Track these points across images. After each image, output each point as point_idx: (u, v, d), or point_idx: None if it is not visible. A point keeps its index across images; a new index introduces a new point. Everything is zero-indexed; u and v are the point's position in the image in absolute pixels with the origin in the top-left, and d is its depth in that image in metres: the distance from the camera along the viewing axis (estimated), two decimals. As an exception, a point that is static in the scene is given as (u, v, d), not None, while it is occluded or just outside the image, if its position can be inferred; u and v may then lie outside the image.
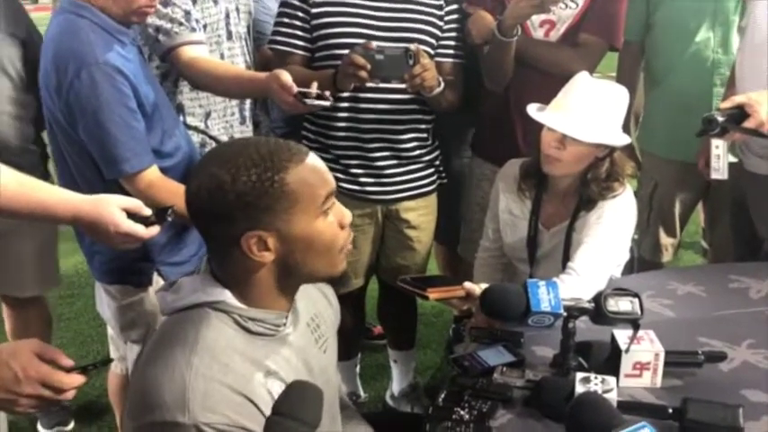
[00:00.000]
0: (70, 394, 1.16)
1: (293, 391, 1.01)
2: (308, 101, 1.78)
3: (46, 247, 2.53)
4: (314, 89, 1.79)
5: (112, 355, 2.17)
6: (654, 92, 2.72)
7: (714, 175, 2.05)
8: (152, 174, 1.77)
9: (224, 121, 2.22)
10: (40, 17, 3.71)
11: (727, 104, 1.81)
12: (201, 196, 1.14)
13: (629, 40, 2.58)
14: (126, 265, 1.87)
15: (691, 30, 2.53)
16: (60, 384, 1.14)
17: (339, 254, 1.23)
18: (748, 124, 1.77)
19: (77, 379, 1.16)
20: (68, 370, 1.16)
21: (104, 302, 1.98)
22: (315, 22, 2.16)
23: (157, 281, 1.89)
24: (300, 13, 2.17)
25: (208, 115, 2.18)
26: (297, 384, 1.02)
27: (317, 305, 1.39)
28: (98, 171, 1.77)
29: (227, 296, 1.18)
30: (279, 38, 2.21)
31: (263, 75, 1.90)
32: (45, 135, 2.42)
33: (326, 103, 1.80)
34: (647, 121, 2.81)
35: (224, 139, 2.21)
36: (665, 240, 2.77)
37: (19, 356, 1.12)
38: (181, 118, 2.13)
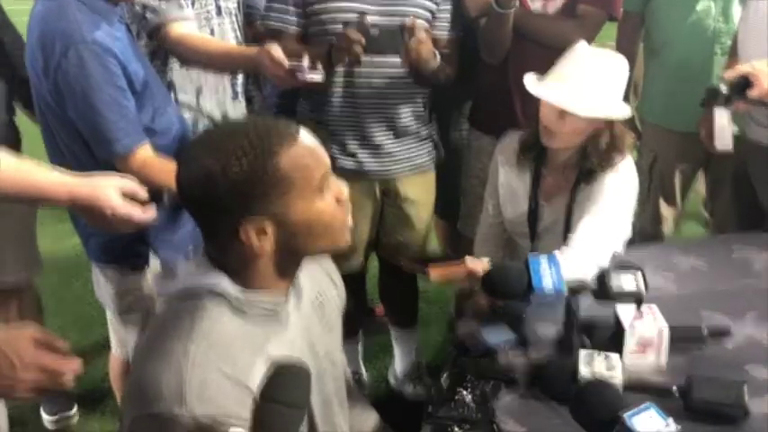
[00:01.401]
0: (69, 379, 1.13)
1: (278, 374, 0.98)
2: (300, 74, 1.76)
3: (24, 231, 2.48)
4: (305, 62, 1.76)
5: (112, 339, 2.16)
6: (653, 62, 2.68)
7: (719, 146, 2.02)
8: (145, 152, 1.74)
9: (216, 97, 2.19)
10: None
11: (731, 74, 1.79)
12: (193, 187, 1.10)
13: (628, 10, 2.54)
14: (122, 246, 1.85)
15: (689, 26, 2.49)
16: (59, 369, 1.12)
17: (341, 229, 1.19)
18: (752, 93, 1.75)
19: (75, 364, 1.14)
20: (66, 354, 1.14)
21: (102, 286, 1.96)
22: None
23: (154, 262, 1.87)
24: None
25: (199, 91, 2.15)
26: (281, 367, 1.00)
27: (321, 285, 1.36)
28: (89, 151, 1.74)
29: (224, 281, 1.15)
30: (272, 14, 2.17)
31: (253, 49, 1.88)
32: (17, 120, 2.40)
33: (318, 77, 1.78)
34: (647, 91, 2.78)
35: (216, 114, 2.19)
36: (666, 211, 2.75)
37: (14, 342, 1.10)
38: (172, 95, 2.11)
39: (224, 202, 1.09)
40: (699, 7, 2.47)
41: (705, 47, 2.49)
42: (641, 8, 2.62)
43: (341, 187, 1.18)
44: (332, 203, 1.16)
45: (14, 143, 2.38)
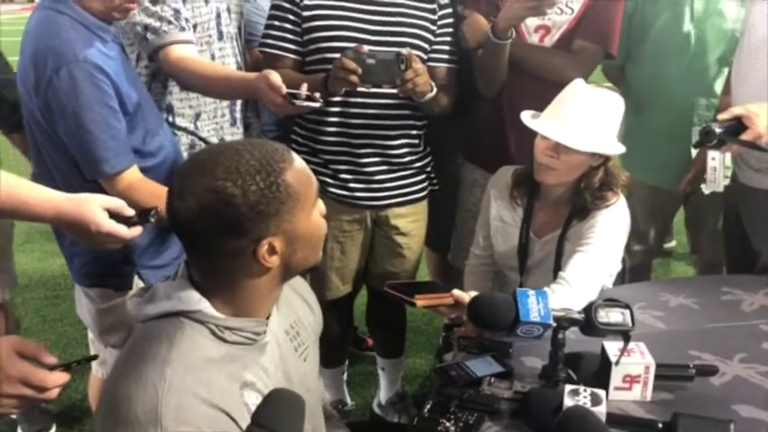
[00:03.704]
0: (54, 393, 1.11)
1: (272, 400, 0.98)
2: (298, 102, 1.75)
3: (1, 250, 2.47)
4: (303, 90, 1.77)
5: (93, 359, 2.13)
6: (632, 117, 2.72)
7: (710, 187, 2.03)
8: (132, 175, 1.74)
9: (214, 122, 2.19)
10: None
11: (724, 116, 1.79)
12: (207, 215, 1.10)
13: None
14: (106, 267, 1.84)
15: (670, 74, 2.53)
16: (42, 383, 1.09)
17: (321, 242, 1.25)
18: (746, 136, 1.75)
19: (61, 377, 1.11)
20: (51, 368, 1.12)
21: (84, 306, 1.94)
22: (306, 25, 2.13)
23: (138, 284, 1.86)
24: (291, 16, 2.14)
25: (197, 116, 2.15)
26: (276, 393, 0.99)
27: (297, 312, 1.37)
28: (78, 170, 1.73)
29: (205, 305, 1.15)
30: (269, 41, 2.18)
31: (252, 75, 1.88)
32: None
33: (316, 105, 1.78)
34: (626, 142, 2.82)
35: (214, 140, 2.18)
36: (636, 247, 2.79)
37: None
38: (170, 119, 2.11)
39: (240, 224, 1.10)
40: (677, 82, 2.51)
41: (683, 115, 2.51)
42: (623, 61, 2.66)
43: (321, 203, 1.24)
44: (321, 218, 1.23)
45: None
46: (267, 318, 1.23)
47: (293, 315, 1.35)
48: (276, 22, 2.17)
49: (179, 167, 1.21)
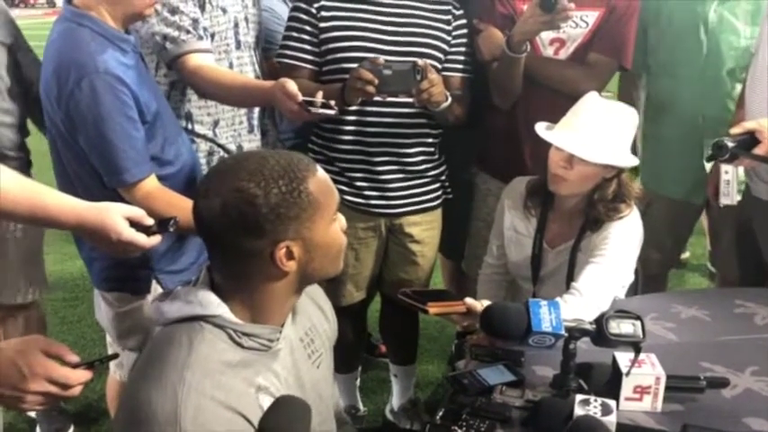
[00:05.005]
0: (77, 390, 1.15)
1: (280, 406, 1.00)
2: (313, 109, 1.78)
3: (32, 253, 2.52)
4: (319, 98, 1.79)
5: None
6: (650, 127, 2.74)
7: (723, 201, 2.04)
8: (149, 184, 1.77)
9: (232, 129, 2.22)
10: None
11: (737, 130, 1.79)
12: (229, 213, 1.14)
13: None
14: (124, 272, 1.87)
15: (683, 85, 2.53)
16: (66, 380, 1.13)
17: (341, 256, 1.29)
18: (758, 151, 1.75)
19: (84, 374, 1.16)
20: (74, 366, 1.16)
21: (102, 309, 1.98)
22: (323, 36, 2.17)
23: (156, 289, 1.89)
24: (308, 27, 2.17)
25: (216, 124, 2.18)
26: (283, 400, 1.01)
27: (312, 319, 1.39)
28: (98, 179, 1.76)
29: (224, 310, 1.18)
30: (287, 51, 2.21)
31: (268, 83, 1.90)
32: (28, 141, 2.44)
33: (332, 113, 1.80)
34: (644, 153, 2.83)
35: (232, 147, 2.21)
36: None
37: (25, 353, 1.11)
38: (189, 126, 2.14)
39: (260, 225, 1.13)
40: (689, 96, 2.51)
41: (695, 130, 2.50)
42: (639, 72, 2.68)
43: (342, 217, 1.27)
44: (341, 230, 1.26)
45: (25, 165, 2.42)
46: (282, 325, 1.26)
47: (308, 322, 1.37)
48: (294, 33, 2.20)
49: (208, 170, 1.24)
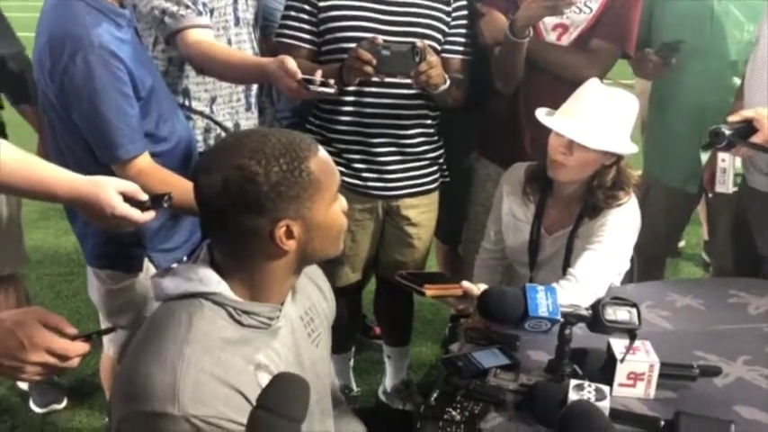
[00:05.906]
0: (75, 361, 1.16)
1: (277, 384, 1.00)
2: (312, 87, 1.77)
3: (9, 226, 2.51)
4: (318, 76, 1.78)
5: (104, 337, 2.17)
6: (654, 115, 2.75)
7: (719, 189, 2.04)
8: (143, 161, 1.75)
9: (229, 106, 2.21)
10: None
11: (734, 118, 1.79)
12: (230, 190, 1.13)
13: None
14: (117, 250, 1.86)
15: (686, 73, 2.53)
16: (65, 351, 1.14)
17: (341, 237, 1.29)
18: (755, 139, 1.75)
19: (82, 347, 1.16)
20: (72, 338, 1.17)
21: (94, 286, 1.97)
22: (322, 15, 2.15)
23: (148, 267, 1.88)
24: (308, 7, 2.16)
25: (213, 100, 2.17)
26: (282, 377, 1.01)
27: (311, 298, 1.40)
28: (91, 154, 1.75)
29: (224, 288, 1.18)
30: (286, 31, 2.20)
31: (267, 60, 1.89)
32: (3, 114, 2.43)
33: (331, 91, 1.79)
34: (648, 140, 2.84)
35: (229, 125, 2.20)
36: None
37: (24, 324, 1.12)
38: (186, 103, 2.12)
39: (261, 203, 1.13)
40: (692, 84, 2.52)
41: (696, 119, 2.50)
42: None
43: (343, 199, 1.27)
44: (341, 212, 1.26)
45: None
46: (282, 303, 1.26)
47: (308, 301, 1.37)
48: (293, 13, 2.19)
49: (210, 147, 1.24)
